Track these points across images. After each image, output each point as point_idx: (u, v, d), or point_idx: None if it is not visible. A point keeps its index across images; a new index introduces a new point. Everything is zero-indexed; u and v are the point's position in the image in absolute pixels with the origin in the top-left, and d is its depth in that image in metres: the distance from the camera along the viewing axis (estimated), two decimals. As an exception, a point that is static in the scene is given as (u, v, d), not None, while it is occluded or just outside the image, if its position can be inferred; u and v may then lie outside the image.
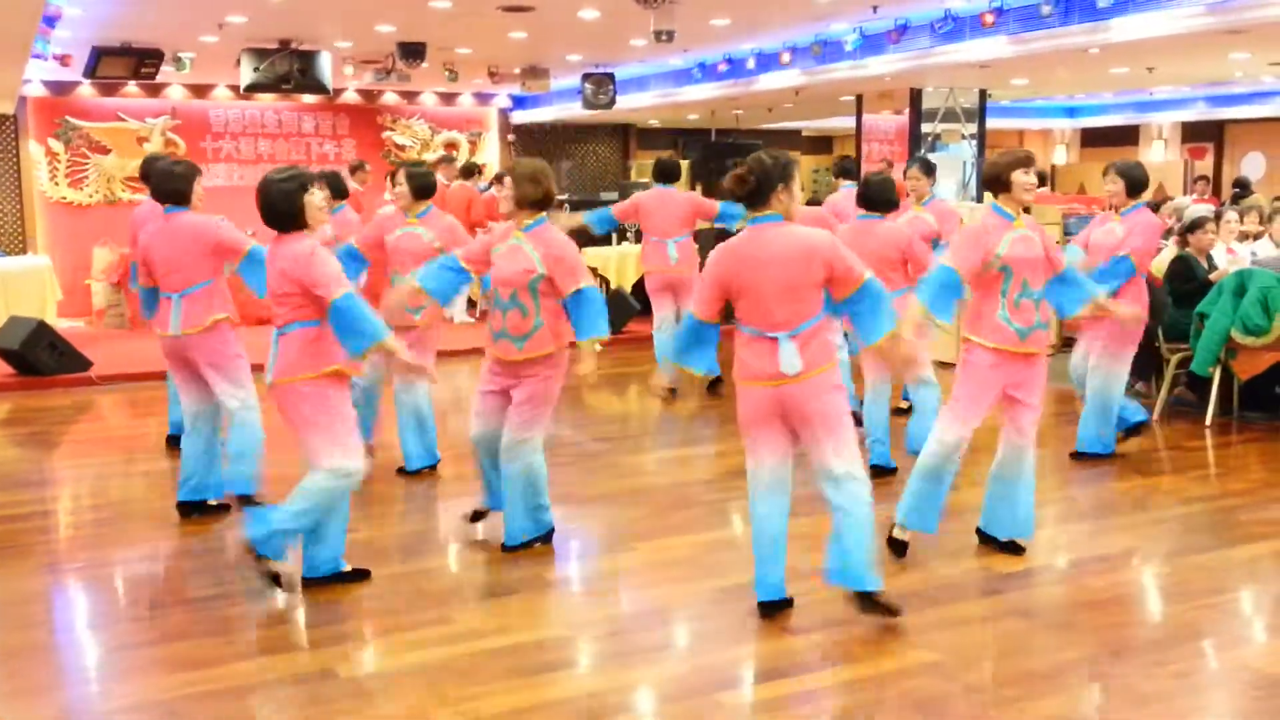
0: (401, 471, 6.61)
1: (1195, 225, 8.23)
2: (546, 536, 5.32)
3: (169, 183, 5.76)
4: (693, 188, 14.92)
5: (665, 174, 9.03)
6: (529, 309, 4.98)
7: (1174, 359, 7.85)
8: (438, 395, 9.13)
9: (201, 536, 5.65)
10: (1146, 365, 8.11)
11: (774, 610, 4.47)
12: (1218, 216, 8.50)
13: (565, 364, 5.16)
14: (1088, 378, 6.81)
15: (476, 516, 5.56)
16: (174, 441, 7.14)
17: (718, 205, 8.82)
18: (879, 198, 6.44)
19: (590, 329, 5.01)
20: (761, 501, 4.43)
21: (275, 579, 4.74)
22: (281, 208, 4.59)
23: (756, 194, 4.21)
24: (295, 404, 4.62)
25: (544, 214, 5.08)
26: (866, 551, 4.30)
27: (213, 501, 5.93)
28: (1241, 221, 10.18)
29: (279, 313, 4.64)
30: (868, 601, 4.35)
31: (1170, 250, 9.07)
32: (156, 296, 5.84)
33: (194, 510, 5.88)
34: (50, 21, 9.18)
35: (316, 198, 4.65)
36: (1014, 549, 5.14)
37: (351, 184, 13.94)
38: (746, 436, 4.41)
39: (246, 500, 5.82)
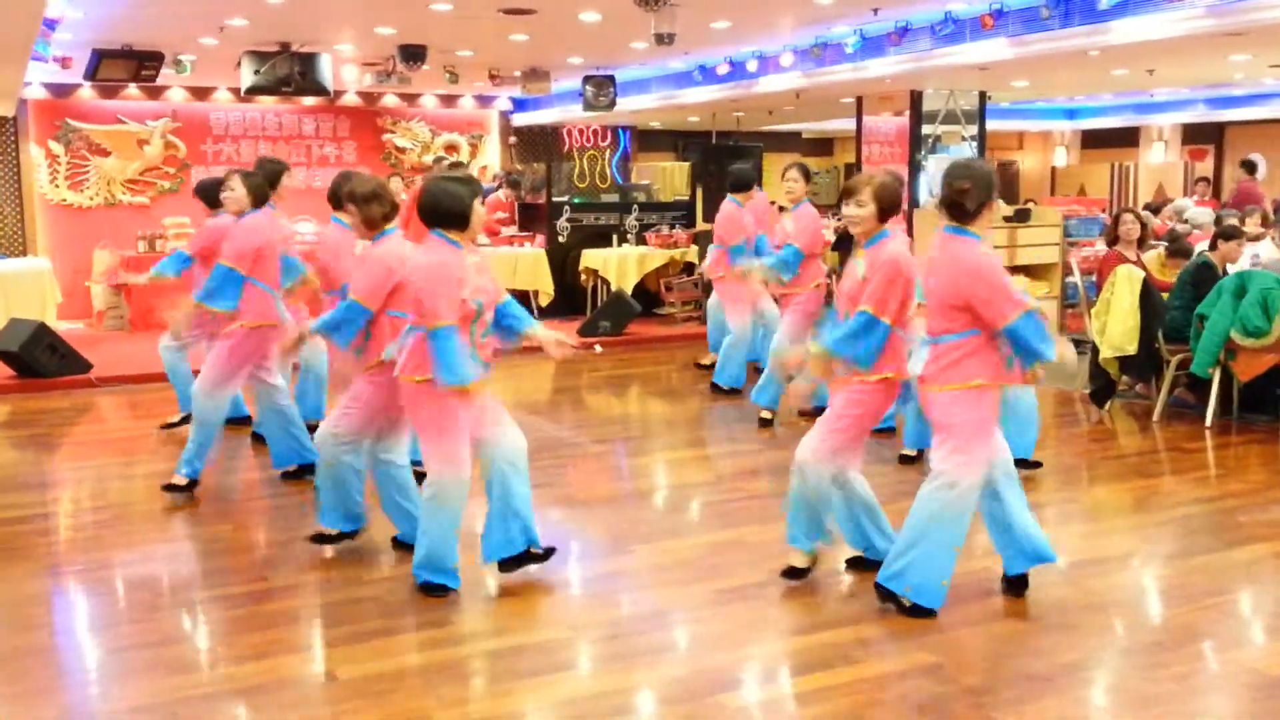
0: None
1: (1230, 235, 8.22)
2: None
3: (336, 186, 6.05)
4: (693, 191, 14.92)
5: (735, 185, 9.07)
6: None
7: (1174, 360, 7.85)
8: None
9: (202, 538, 5.66)
10: (1146, 366, 8.12)
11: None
12: (1234, 235, 8.43)
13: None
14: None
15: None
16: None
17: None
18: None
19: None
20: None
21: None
22: (448, 206, 4.56)
23: (975, 209, 4.34)
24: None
25: (391, 226, 5.13)
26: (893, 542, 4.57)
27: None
28: (1243, 224, 10.19)
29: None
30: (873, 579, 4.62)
31: (1159, 252, 9.09)
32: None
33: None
34: (51, 24, 9.20)
35: (480, 210, 4.65)
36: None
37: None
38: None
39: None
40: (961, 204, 4.34)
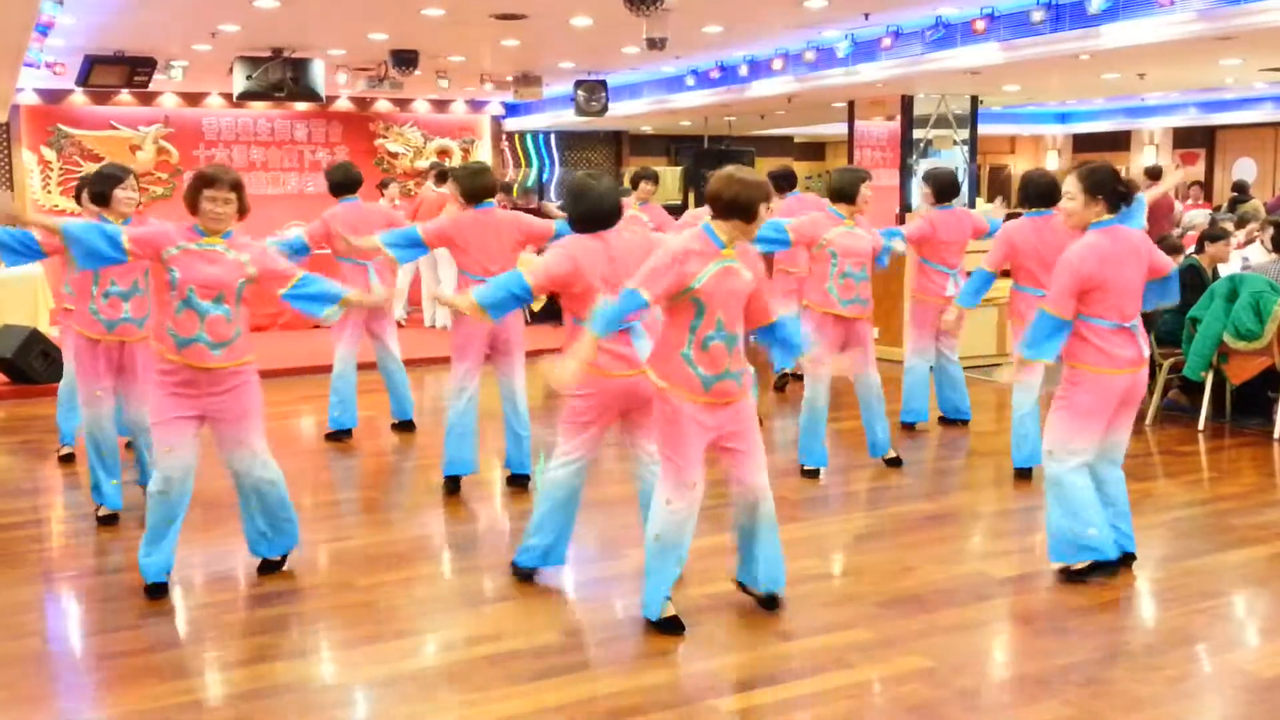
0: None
1: (1217, 236, 8.24)
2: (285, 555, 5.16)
3: (477, 180, 6.35)
4: (685, 195, 14.92)
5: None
6: (233, 314, 4.81)
7: (1166, 364, 7.87)
8: (426, 405, 9.13)
9: (194, 544, 5.64)
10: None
11: (1115, 569, 4.92)
12: (1221, 236, 8.43)
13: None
14: (872, 389, 6.81)
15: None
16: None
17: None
18: (950, 188, 7.50)
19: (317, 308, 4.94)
20: (1080, 474, 4.83)
21: None
22: (610, 205, 4.70)
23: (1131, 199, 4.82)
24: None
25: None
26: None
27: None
28: (1242, 227, 10.22)
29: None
30: (1132, 558, 5.04)
31: None
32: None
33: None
34: (43, 29, 9.18)
35: None
36: (772, 603, 4.60)
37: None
38: (1091, 420, 4.79)
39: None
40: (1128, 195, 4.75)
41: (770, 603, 4.60)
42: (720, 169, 4.35)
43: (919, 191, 8.12)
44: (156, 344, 4.80)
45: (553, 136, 17.43)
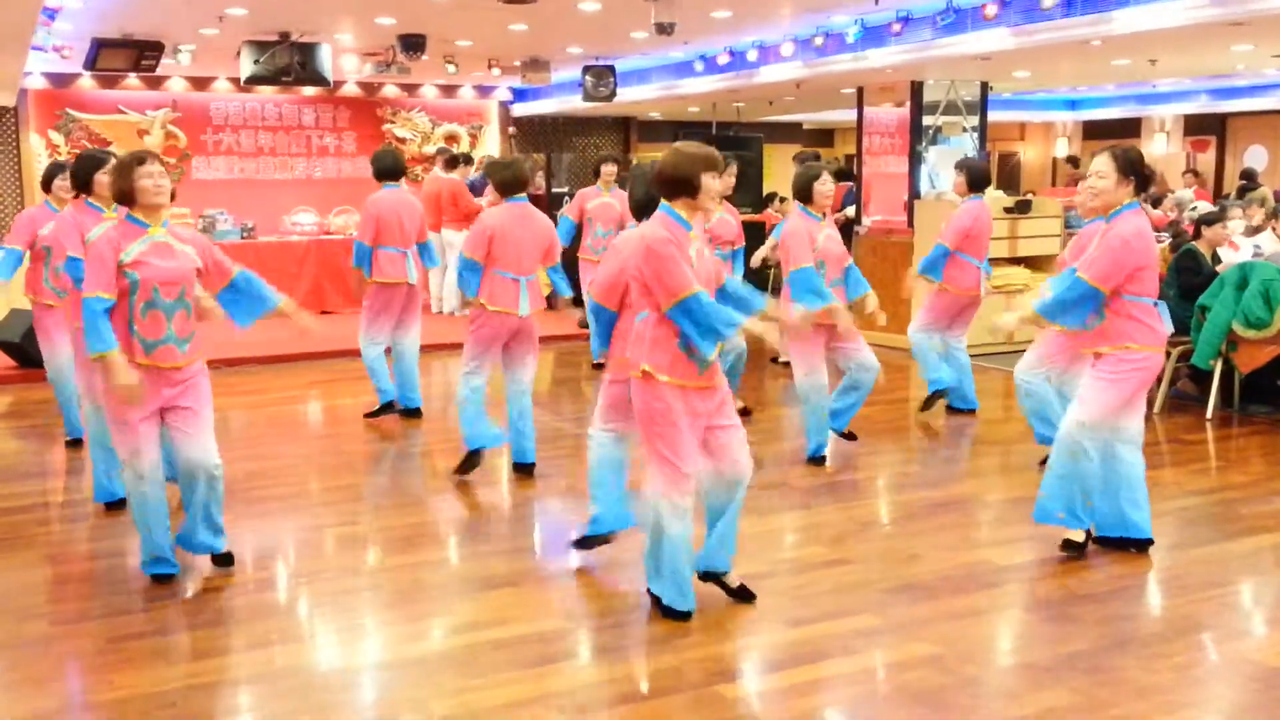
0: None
1: (1212, 219, 8.22)
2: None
3: (506, 171, 6.29)
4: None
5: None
6: (193, 308, 4.73)
7: (1175, 352, 7.84)
8: (434, 391, 9.15)
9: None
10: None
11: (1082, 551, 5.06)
12: (1215, 219, 8.41)
13: None
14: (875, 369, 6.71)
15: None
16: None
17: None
18: (983, 179, 7.75)
19: (255, 311, 4.98)
20: (1137, 453, 4.95)
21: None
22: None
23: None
24: None
25: None
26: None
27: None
28: (1245, 214, 10.18)
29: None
30: (1150, 544, 5.08)
31: (1164, 246, 9.07)
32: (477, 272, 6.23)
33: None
34: (50, 13, 9.18)
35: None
36: (746, 595, 4.58)
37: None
38: (1137, 398, 4.88)
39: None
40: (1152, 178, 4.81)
41: (744, 594, 4.56)
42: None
43: (952, 180, 8.12)
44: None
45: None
